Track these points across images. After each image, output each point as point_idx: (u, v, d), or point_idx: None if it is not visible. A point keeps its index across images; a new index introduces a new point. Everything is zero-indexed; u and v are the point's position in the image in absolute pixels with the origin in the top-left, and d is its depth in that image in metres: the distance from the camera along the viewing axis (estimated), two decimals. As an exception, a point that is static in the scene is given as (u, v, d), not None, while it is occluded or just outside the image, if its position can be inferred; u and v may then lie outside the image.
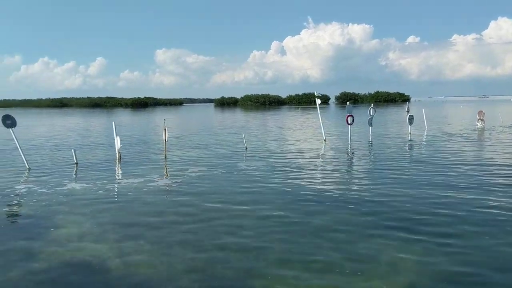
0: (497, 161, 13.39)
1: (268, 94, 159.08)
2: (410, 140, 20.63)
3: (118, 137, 13.88)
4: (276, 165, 13.17)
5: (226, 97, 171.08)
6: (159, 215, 7.90)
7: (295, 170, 12.33)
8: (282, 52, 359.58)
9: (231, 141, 21.50)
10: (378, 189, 9.72)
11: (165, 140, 14.80)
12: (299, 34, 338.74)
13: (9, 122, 13.13)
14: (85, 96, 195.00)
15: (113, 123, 14.24)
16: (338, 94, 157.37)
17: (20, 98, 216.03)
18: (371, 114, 22.28)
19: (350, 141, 19.84)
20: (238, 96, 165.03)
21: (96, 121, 51.95)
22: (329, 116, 53.03)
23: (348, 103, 21.18)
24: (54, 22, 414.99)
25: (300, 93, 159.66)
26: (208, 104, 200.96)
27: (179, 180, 11.10)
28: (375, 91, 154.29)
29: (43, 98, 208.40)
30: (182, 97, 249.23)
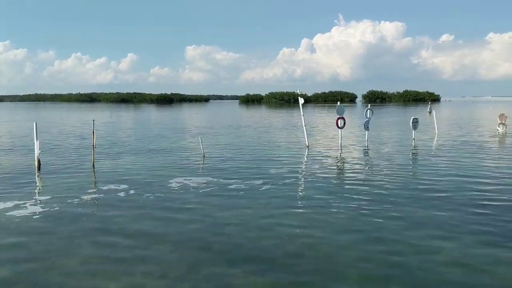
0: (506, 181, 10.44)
1: (294, 92, 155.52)
2: (414, 148, 17.68)
3: (37, 141, 11.76)
4: (228, 183, 10.67)
5: (251, 94, 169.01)
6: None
7: (238, 196, 9.32)
8: (312, 49, 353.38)
9: (191, 144, 19.10)
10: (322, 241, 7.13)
11: (94, 145, 12.62)
12: (330, 32, 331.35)
13: None
14: (115, 91, 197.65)
15: (35, 124, 12.11)
16: (365, 92, 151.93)
17: (52, 93, 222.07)
18: (368, 116, 19.41)
19: (341, 148, 17.14)
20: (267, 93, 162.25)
21: (86, 117, 50.59)
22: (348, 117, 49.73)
23: (338, 103, 18.44)
24: (87, 18, 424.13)
25: (327, 91, 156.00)
26: (235, 101, 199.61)
27: (62, 207, 8.85)
28: (404, 90, 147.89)
29: (74, 92, 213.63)
30: (211, 93, 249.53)
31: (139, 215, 7.82)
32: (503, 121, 23.44)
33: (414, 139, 19.59)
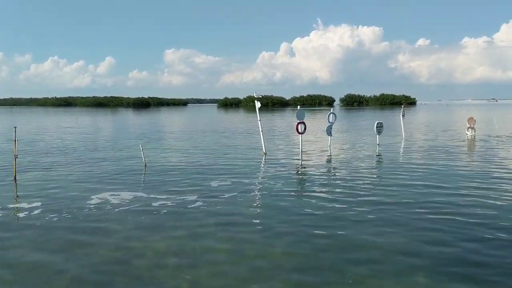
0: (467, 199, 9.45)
1: (271, 96, 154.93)
2: (378, 154, 16.72)
3: None
4: (156, 198, 9.39)
5: (230, 97, 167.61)
6: None
7: (155, 217, 8.24)
8: (291, 53, 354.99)
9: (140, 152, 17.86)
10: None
11: (15, 155, 11.17)
12: (309, 36, 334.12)
13: None
14: (93, 95, 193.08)
15: None
16: (343, 96, 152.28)
17: (28, 97, 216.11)
18: (331, 121, 18.35)
19: (301, 155, 16.05)
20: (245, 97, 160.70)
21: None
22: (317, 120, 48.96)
23: (298, 107, 17.36)
24: (64, 21, 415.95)
25: (305, 95, 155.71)
26: (214, 104, 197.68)
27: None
28: (381, 93, 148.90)
29: (50, 97, 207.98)
30: (190, 97, 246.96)
31: (34, 241, 6.52)
32: (472, 125, 22.78)
33: (378, 144, 18.66)
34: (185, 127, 35.30)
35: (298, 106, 17.26)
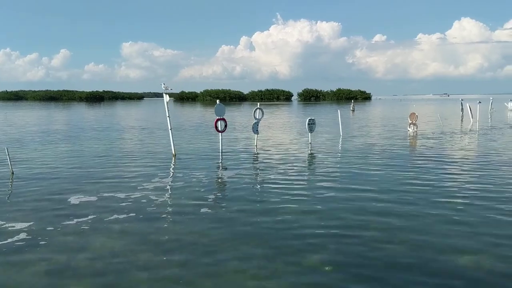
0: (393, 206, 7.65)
1: (229, 90, 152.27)
2: (309, 155, 14.90)
3: None
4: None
5: (187, 91, 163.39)
6: None
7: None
8: (251, 47, 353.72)
9: (31, 154, 15.27)
10: None
11: None
12: (268, 30, 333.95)
13: None
14: (47, 89, 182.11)
15: None
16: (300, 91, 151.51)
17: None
18: (257, 117, 16.39)
19: (221, 156, 13.98)
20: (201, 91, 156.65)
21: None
22: (277, 115, 47.15)
23: (218, 101, 15.26)
24: (16, 12, 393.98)
25: (263, 89, 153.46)
26: (170, 98, 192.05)
27: None
28: (337, 88, 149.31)
29: (0, 90, 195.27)
30: (148, 91, 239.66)
31: None
32: (414, 121, 21.54)
33: (310, 143, 16.87)
34: (111, 124, 32.35)
35: (217, 101, 15.10)
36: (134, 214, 7.38)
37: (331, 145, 17.10)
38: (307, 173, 11.39)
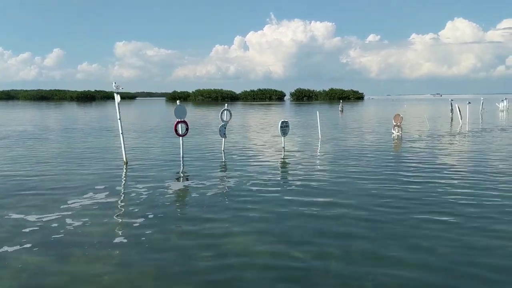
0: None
1: (221, 89, 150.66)
2: (282, 161, 13.51)
3: None
4: None
5: (179, 91, 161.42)
6: None
7: None
8: (245, 47, 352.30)
9: None
10: None
11: None
12: (262, 30, 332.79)
13: None
14: (40, 88, 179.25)
15: None
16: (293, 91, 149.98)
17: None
18: (225, 119, 15.01)
19: (182, 162, 12.61)
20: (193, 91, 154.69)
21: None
22: (264, 114, 45.88)
23: (178, 102, 13.86)
24: (9, 10, 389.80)
25: (256, 89, 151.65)
26: (163, 98, 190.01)
27: None
28: (330, 88, 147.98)
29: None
30: (141, 90, 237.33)
31: None
32: (398, 123, 20.21)
33: (284, 148, 15.50)
34: (85, 124, 30.81)
35: (178, 102, 13.69)
36: (29, 246, 5.94)
37: (306, 150, 15.69)
38: (273, 186, 9.92)
